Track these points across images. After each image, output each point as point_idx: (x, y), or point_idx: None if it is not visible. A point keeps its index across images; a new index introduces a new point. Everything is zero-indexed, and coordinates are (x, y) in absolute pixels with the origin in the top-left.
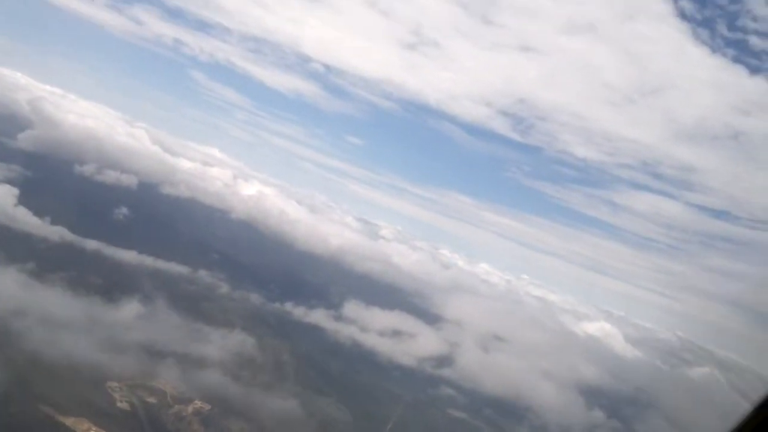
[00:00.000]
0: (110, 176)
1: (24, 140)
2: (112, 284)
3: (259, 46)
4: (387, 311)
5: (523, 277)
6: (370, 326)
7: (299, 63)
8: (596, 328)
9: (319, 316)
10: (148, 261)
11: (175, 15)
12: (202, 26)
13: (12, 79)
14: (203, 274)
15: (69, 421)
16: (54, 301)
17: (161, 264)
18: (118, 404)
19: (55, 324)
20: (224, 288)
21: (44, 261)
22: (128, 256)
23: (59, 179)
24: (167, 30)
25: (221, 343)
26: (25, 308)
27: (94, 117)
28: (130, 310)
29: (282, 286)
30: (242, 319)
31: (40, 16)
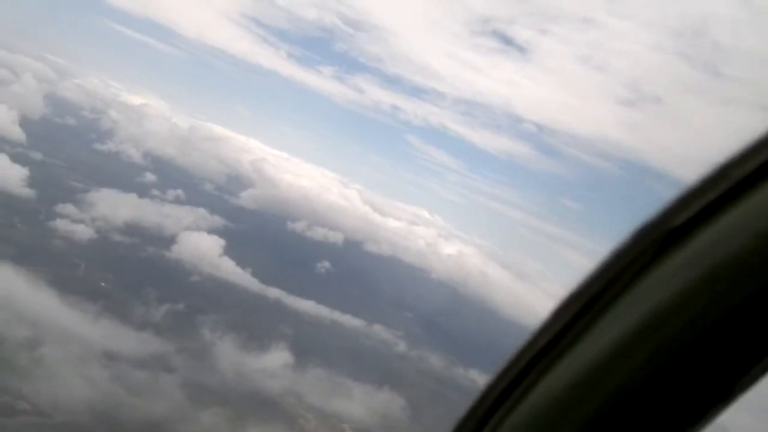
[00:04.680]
0: (318, 233)
1: (245, 198)
2: (273, 331)
3: (471, 108)
4: None
5: None
6: None
7: (510, 124)
8: None
9: None
10: (324, 312)
11: (393, 82)
12: (417, 92)
13: (243, 143)
14: (379, 329)
15: None
16: (204, 343)
17: (337, 315)
18: None
19: (201, 367)
20: (401, 346)
21: (205, 301)
22: (305, 305)
23: (270, 234)
24: (385, 97)
25: (375, 402)
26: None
27: (310, 178)
28: (279, 358)
29: (472, 352)
30: (411, 380)
31: (274, 87)
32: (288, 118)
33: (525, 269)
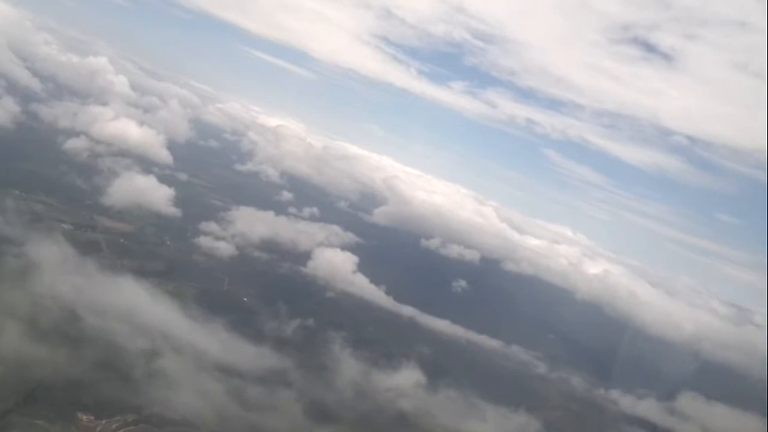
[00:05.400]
0: (454, 251)
1: (378, 215)
2: (405, 350)
3: (614, 121)
4: (740, 412)
5: None
6: (713, 427)
7: (659, 136)
8: None
9: (647, 408)
10: (459, 331)
11: (527, 95)
12: (554, 104)
13: (376, 161)
14: (517, 351)
15: None
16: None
17: (472, 335)
18: None
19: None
20: (541, 368)
21: (338, 317)
22: (440, 324)
23: (404, 251)
24: (519, 110)
25: (510, 425)
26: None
27: (443, 194)
28: (411, 377)
29: (617, 373)
30: (550, 402)
31: (405, 105)
32: (420, 135)
33: (677, 286)
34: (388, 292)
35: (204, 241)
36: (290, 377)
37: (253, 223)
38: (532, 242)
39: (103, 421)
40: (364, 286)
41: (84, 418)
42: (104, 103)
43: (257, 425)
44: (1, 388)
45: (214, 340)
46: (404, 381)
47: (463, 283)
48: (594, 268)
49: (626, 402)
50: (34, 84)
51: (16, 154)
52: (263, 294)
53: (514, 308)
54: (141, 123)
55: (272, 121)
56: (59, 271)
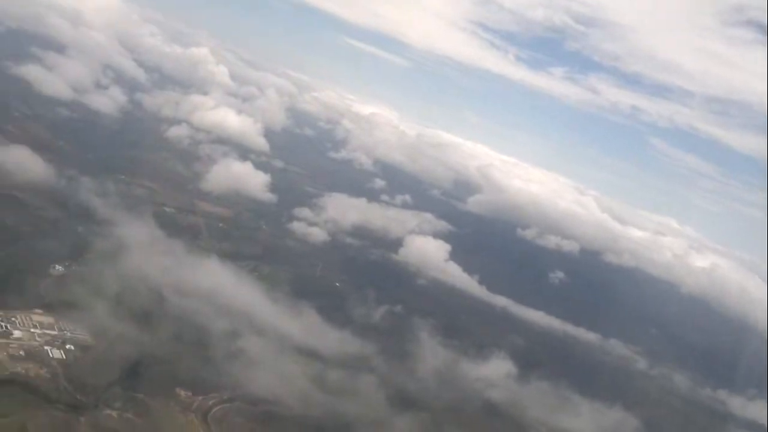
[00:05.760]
0: (551, 241)
1: (473, 203)
2: (497, 340)
3: (725, 107)
4: None
5: None
6: None
7: None
8: None
9: (758, 410)
10: (555, 323)
11: (632, 81)
12: (661, 91)
13: (471, 149)
14: (616, 345)
15: None
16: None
17: (569, 328)
18: None
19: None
20: (641, 363)
21: (428, 305)
22: (534, 315)
23: (499, 241)
24: (623, 97)
25: (605, 420)
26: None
27: (539, 183)
28: (502, 368)
29: (725, 372)
30: (649, 399)
31: (502, 92)
32: (517, 123)
33: None
34: (481, 282)
35: (298, 227)
36: (379, 363)
37: (346, 210)
38: (635, 233)
39: (200, 398)
40: (456, 275)
41: (182, 393)
42: (205, 93)
43: (343, 409)
44: (104, 362)
45: (306, 324)
46: (494, 371)
47: (560, 274)
48: (701, 262)
49: (735, 403)
50: (140, 74)
51: (121, 141)
52: (354, 280)
53: (613, 301)
54: (239, 112)
55: (366, 109)
56: (162, 252)
